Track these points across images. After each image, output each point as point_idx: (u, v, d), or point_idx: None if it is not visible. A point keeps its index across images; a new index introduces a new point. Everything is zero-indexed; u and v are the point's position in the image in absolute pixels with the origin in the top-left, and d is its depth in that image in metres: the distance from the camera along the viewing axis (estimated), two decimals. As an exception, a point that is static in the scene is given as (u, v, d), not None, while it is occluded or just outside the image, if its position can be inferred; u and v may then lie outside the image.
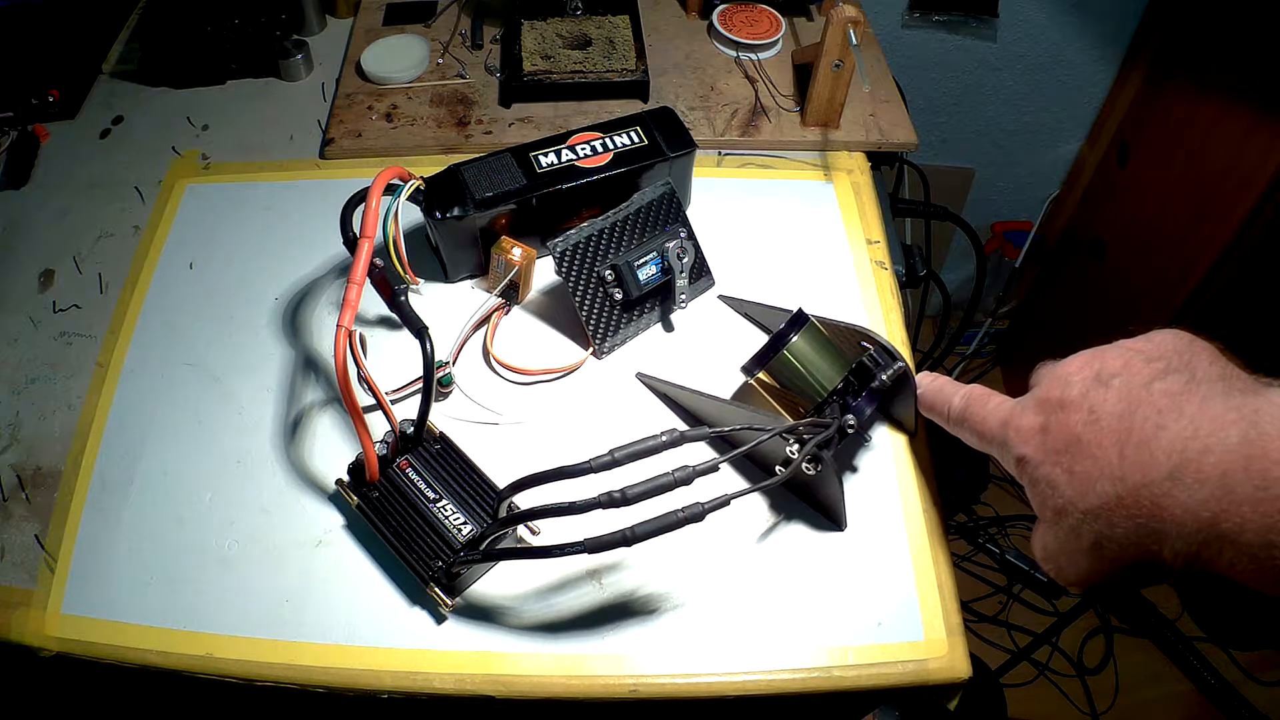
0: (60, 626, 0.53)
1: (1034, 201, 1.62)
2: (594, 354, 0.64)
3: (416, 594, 0.53)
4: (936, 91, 1.44)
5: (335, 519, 0.57)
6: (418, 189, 0.62)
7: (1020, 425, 0.44)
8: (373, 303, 0.65)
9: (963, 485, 1.55)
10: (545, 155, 0.66)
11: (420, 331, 0.54)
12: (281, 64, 0.84)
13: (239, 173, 0.77)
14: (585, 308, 0.63)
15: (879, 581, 0.54)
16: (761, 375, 0.56)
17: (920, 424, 0.59)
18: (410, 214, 0.67)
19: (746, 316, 0.66)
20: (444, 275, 0.69)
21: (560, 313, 0.67)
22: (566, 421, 0.61)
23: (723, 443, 0.59)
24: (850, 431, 0.52)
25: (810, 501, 0.57)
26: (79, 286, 0.69)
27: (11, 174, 0.77)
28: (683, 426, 0.55)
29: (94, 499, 0.58)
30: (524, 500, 0.50)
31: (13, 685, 0.64)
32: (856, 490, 0.58)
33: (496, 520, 0.51)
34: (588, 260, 0.62)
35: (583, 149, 0.66)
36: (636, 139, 0.67)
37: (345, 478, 0.55)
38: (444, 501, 0.54)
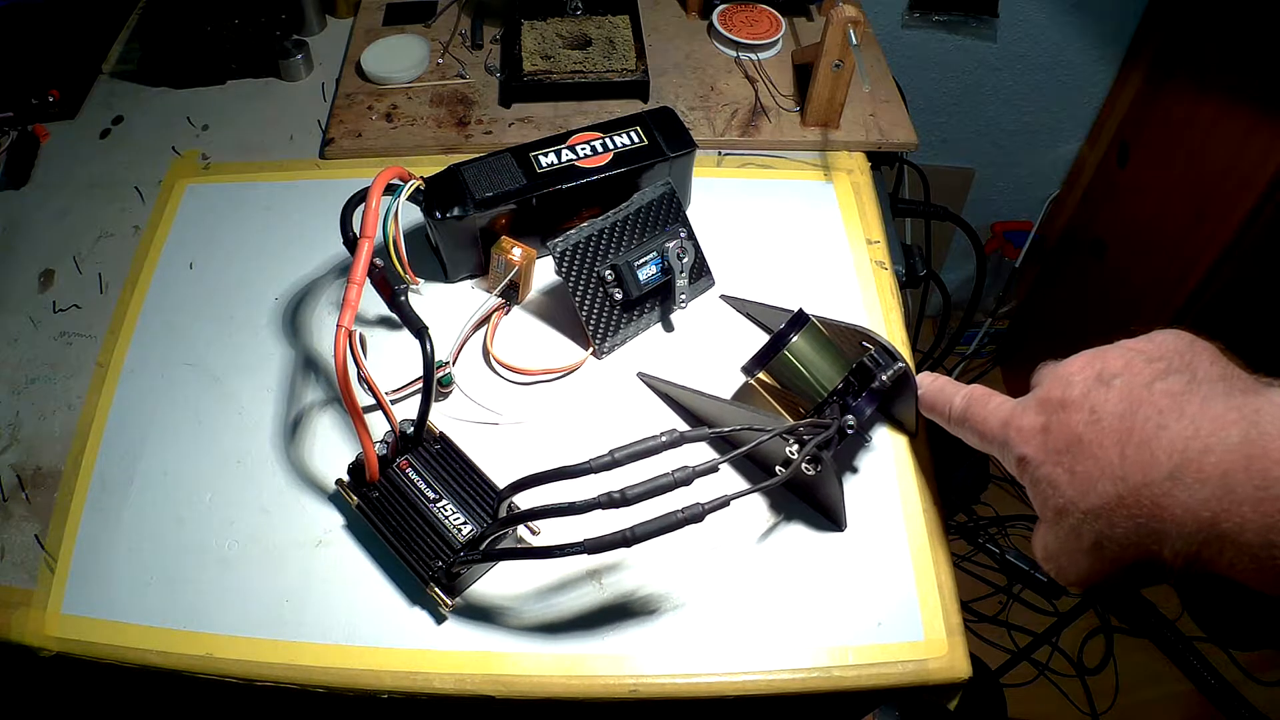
0: (60, 626, 0.53)
1: (1034, 201, 1.62)
2: (594, 354, 0.64)
3: (416, 594, 0.53)
4: (936, 91, 1.44)
5: (335, 519, 0.57)
6: (418, 189, 0.62)
7: (1021, 425, 0.44)
8: (373, 303, 0.65)
9: (963, 485, 1.55)
10: (545, 155, 0.66)
11: (420, 331, 0.54)
12: (281, 64, 0.84)
13: (239, 173, 0.77)
14: (585, 308, 0.63)
15: (879, 581, 0.54)
16: (762, 375, 0.56)
17: (920, 424, 0.59)
18: (410, 214, 0.67)
19: (748, 316, 0.66)
20: (444, 275, 0.69)
21: (560, 313, 0.67)
22: (566, 421, 0.61)
23: (723, 443, 0.59)
24: (850, 432, 0.52)
25: (810, 502, 0.57)
26: (79, 286, 0.69)
27: (11, 174, 0.77)
28: (683, 427, 0.56)
29: (94, 499, 0.58)
30: (524, 500, 0.49)
31: (13, 685, 0.64)
32: (857, 490, 0.58)
33: (496, 520, 0.51)
34: (588, 260, 0.62)
35: (583, 149, 0.66)
36: (636, 139, 0.67)
37: (345, 478, 0.55)
38: (444, 501, 0.54)
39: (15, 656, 0.53)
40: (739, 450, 0.50)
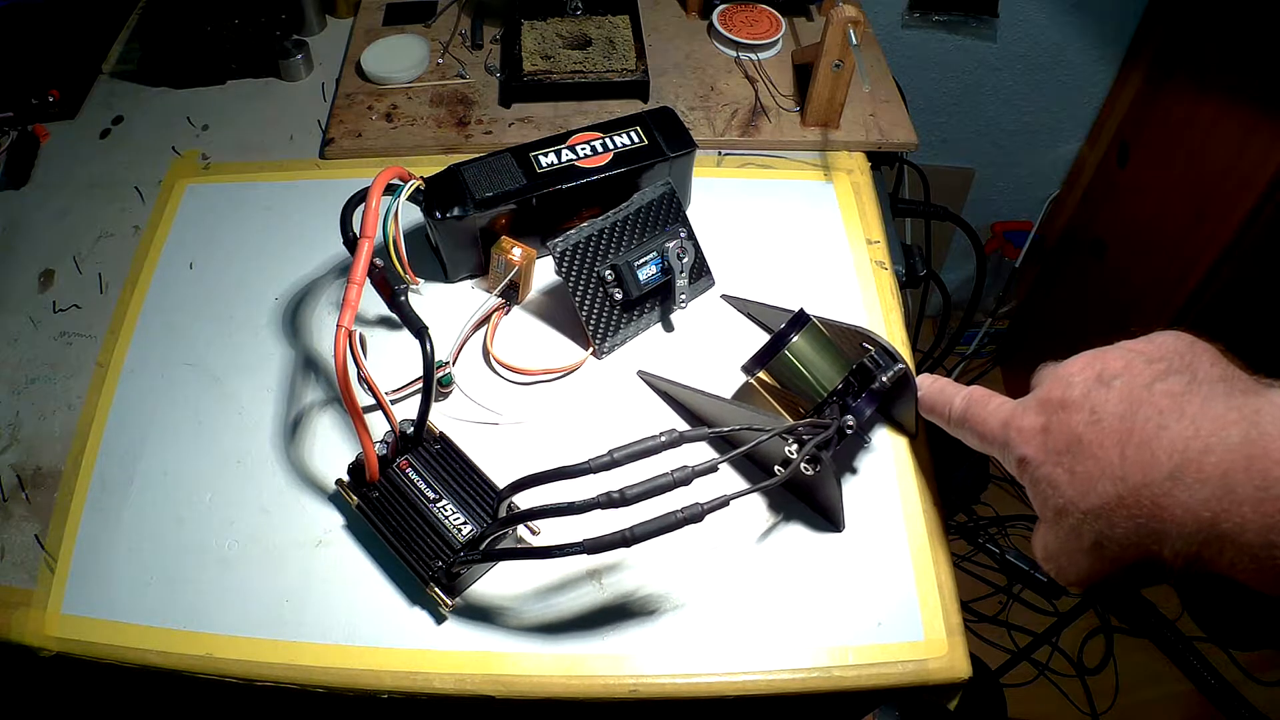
0: (60, 626, 0.53)
1: (1034, 201, 1.62)
2: (594, 354, 0.64)
3: (416, 594, 0.53)
4: (936, 91, 1.44)
5: (335, 519, 0.57)
6: (418, 189, 0.62)
7: (1021, 426, 0.44)
8: (373, 303, 0.65)
9: (963, 485, 1.55)
10: (545, 155, 0.66)
11: (420, 331, 0.54)
12: (281, 64, 0.84)
13: (239, 173, 0.77)
14: (585, 308, 0.63)
15: (879, 581, 0.54)
16: (762, 375, 0.56)
17: (920, 426, 0.59)
18: (410, 214, 0.66)
19: (748, 316, 0.66)
20: (444, 275, 0.69)
21: (560, 313, 0.67)
22: (566, 421, 0.61)
23: (722, 443, 0.59)
24: (850, 432, 0.52)
25: (809, 502, 0.57)
26: (79, 286, 0.69)
27: (11, 174, 0.77)
28: (682, 426, 0.56)
29: (94, 499, 0.58)
30: (524, 500, 0.50)
31: (13, 685, 0.64)
32: (857, 490, 0.58)
33: (496, 520, 0.51)
34: (588, 260, 0.62)
35: (583, 149, 0.66)
36: (636, 139, 0.67)
37: (345, 478, 0.55)
38: (444, 501, 0.54)
39: (15, 656, 0.53)
40: (738, 450, 0.50)
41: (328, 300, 0.68)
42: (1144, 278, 1.32)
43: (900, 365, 0.54)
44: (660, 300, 0.66)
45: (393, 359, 0.63)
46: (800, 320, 0.55)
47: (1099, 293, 1.46)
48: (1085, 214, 1.53)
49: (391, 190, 0.60)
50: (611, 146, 0.67)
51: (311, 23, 0.89)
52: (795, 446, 0.50)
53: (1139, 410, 0.38)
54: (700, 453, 0.59)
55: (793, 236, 0.72)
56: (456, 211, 0.62)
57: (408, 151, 0.77)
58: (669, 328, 0.66)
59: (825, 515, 0.56)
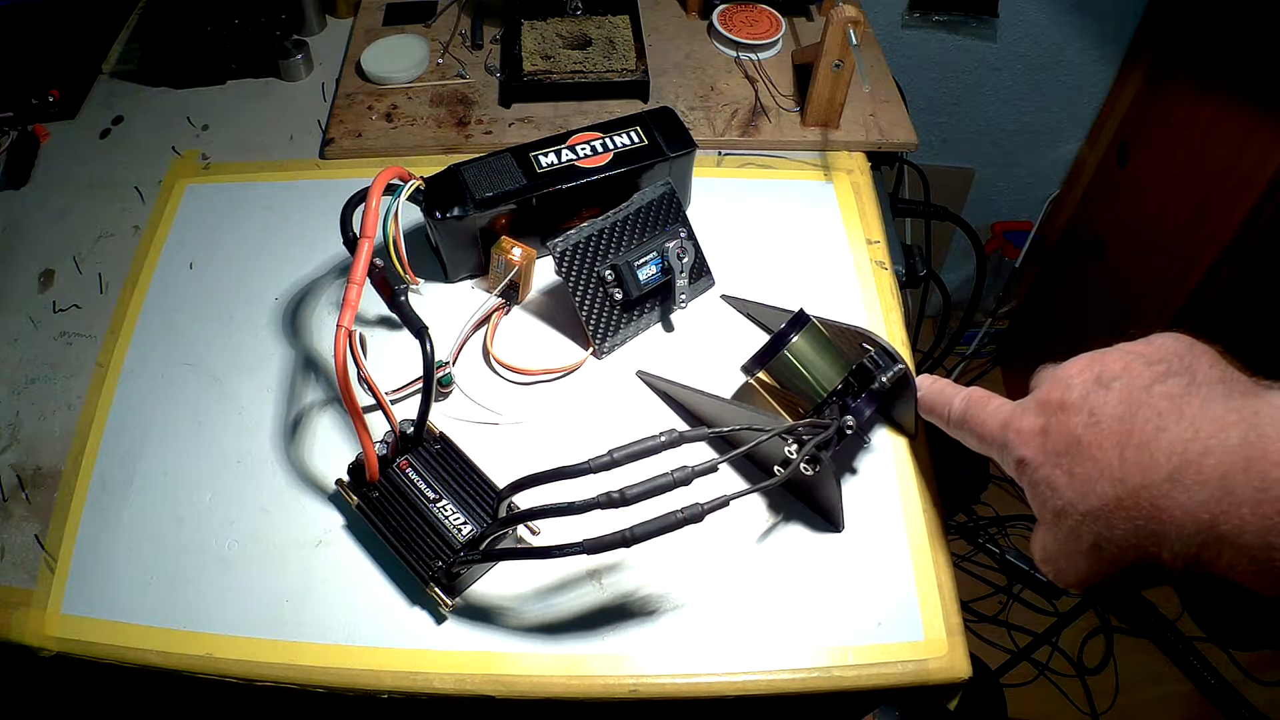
0: (60, 626, 0.53)
1: (1034, 201, 1.62)
2: (594, 354, 0.64)
3: (416, 594, 0.53)
4: (936, 91, 1.44)
5: (335, 519, 0.57)
6: (418, 189, 0.62)
7: (1020, 427, 0.44)
8: (373, 303, 0.65)
9: (963, 486, 1.55)
10: (545, 155, 0.66)
11: (420, 331, 0.54)
12: (281, 64, 0.84)
13: (239, 173, 0.77)
14: (585, 308, 0.63)
15: (879, 582, 0.54)
16: (761, 375, 0.56)
17: (920, 426, 0.59)
18: (410, 214, 0.66)
19: (748, 316, 0.66)
20: (444, 275, 0.69)
21: (560, 313, 0.67)
22: (566, 421, 0.61)
23: (722, 443, 0.59)
24: (849, 432, 0.52)
25: (808, 502, 0.57)
26: (79, 286, 0.69)
27: (11, 174, 0.77)
28: (682, 426, 0.56)
29: (94, 499, 0.58)
30: (524, 500, 0.50)
31: (13, 685, 0.64)
32: (857, 491, 0.58)
33: (496, 520, 0.51)
34: (588, 260, 0.62)
35: (583, 149, 0.66)
36: (636, 139, 0.67)
37: (345, 478, 0.55)
38: (444, 501, 0.54)
39: (15, 656, 0.53)
40: (738, 450, 0.50)
41: (328, 300, 0.68)
42: (1144, 278, 1.32)
43: (900, 366, 0.54)
44: (660, 300, 0.66)
45: (393, 359, 0.63)
46: (800, 320, 0.55)
47: (1099, 293, 1.46)
48: (1085, 214, 1.53)
49: (391, 190, 0.60)
50: (611, 146, 0.67)
51: (311, 23, 0.89)
52: (795, 447, 0.50)
53: (1138, 412, 0.38)
54: (700, 453, 0.59)
55: (793, 236, 0.72)
56: (456, 211, 0.62)
57: (408, 151, 0.77)
58: (669, 328, 0.66)
59: (825, 515, 0.56)
